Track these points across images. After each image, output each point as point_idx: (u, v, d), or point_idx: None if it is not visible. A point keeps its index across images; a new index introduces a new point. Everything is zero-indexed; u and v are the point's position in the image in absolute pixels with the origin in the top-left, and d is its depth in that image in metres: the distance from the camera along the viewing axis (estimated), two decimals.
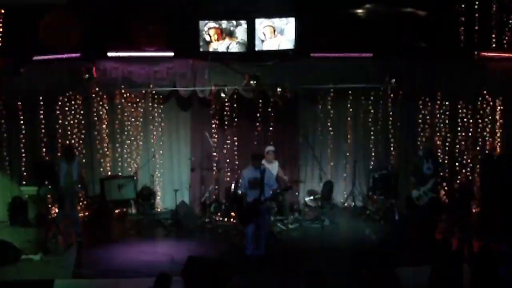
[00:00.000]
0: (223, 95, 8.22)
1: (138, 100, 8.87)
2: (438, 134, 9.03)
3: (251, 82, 8.02)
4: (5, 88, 8.08)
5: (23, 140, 8.48)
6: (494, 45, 8.67)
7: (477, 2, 8.52)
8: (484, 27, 8.62)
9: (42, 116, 8.44)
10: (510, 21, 8.68)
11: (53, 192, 7.65)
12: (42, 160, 8.31)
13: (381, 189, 8.65)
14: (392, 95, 8.96)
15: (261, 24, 8.05)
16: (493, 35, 8.67)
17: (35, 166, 8.13)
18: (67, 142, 8.43)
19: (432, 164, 7.73)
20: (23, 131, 8.46)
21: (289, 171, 8.80)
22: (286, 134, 9.04)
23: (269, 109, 8.74)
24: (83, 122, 8.78)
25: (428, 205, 7.60)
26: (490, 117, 9.05)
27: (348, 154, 9.19)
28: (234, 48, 8.10)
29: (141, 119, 9.03)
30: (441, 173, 8.51)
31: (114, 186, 8.25)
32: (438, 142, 9.01)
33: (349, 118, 9.13)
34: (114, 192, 8.22)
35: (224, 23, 8.03)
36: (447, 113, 9.00)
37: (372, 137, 9.13)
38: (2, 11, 7.54)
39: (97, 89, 8.37)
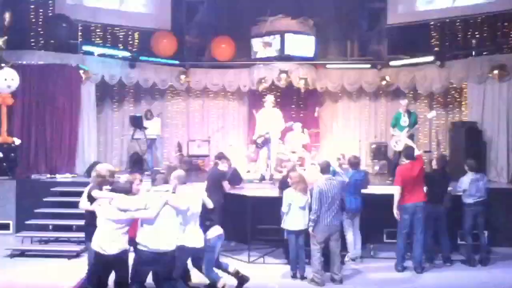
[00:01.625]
0: (264, 84, 12.16)
1: (217, 95, 13.37)
2: None
3: (282, 75, 11.89)
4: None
5: None
6: None
7: None
8: None
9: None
10: None
11: None
12: None
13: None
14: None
15: (290, 38, 12.02)
16: None
17: None
18: None
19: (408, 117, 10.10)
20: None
21: None
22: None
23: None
24: (184, 110, 13.43)
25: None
26: None
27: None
28: (272, 53, 12.14)
29: (221, 110, 13.48)
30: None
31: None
32: None
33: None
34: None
35: (266, 38, 12.18)
36: None
37: None
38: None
39: (189, 86, 12.97)
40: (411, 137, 9.73)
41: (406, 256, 7.27)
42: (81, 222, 6.22)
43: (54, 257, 7.76)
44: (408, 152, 7.47)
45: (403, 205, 7.01)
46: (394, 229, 7.44)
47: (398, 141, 9.71)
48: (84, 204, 5.86)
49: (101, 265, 5.25)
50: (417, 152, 7.62)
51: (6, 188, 9.24)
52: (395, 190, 7.09)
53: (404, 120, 9.81)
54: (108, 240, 5.13)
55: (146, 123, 11.01)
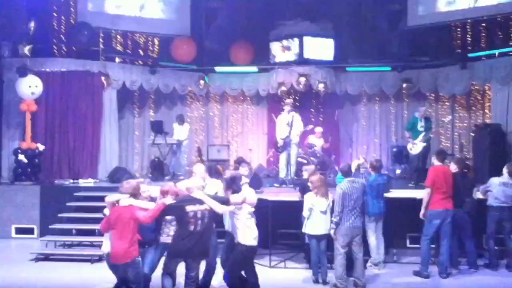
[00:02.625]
0: (284, 88, 12.13)
1: (236, 100, 13.40)
2: None
3: (301, 78, 11.85)
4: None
5: None
6: None
7: None
8: None
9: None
10: None
11: None
12: None
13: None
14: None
15: (308, 41, 11.97)
16: None
17: None
18: None
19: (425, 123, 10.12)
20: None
21: None
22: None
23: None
24: (203, 115, 13.49)
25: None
26: None
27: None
28: (291, 57, 12.11)
29: (240, 115, 13.50)
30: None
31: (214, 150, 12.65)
32: None
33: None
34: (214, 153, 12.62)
35: (285, 42, 12.16)
36: None
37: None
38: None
39: (208, 92, 13.02)
40: (427, 141, 9.68)
41: (430, 261, 7.15)
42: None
43: (77, 261, 7.87)
44: (440, 154, 7.35)
45: (433, 210, 6.88)
46: (417, 234, 7.36)
47: (414, 144, 9.70)
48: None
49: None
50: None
51: (30, 193, 9.41)
52: (425, 191, 6.99)
53: (421, 125, 9.80)
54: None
55: (176, 127, 11.13)
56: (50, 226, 8.71)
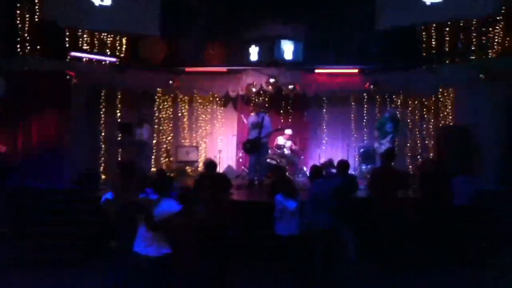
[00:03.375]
0: (253, 89, 12.15)
1: (206, 102, 13.33)
2: None
3: (271, 80, 11.90)
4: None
5: None
6: None
7: None
8: None
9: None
10: None
11: None
12: None
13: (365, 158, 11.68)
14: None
15: (281, 44, 12.04)
16: None
17: None
18: None
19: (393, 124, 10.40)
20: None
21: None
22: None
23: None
24: (171, 116, 13.35)
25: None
26: None
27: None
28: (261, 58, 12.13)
29: (209, 116, 13.44)
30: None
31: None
32: None
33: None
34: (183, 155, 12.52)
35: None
36: None
37: None
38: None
39: (177, 92, 12.92)
40: (392, 142, 10.11)
41: None
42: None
43: (53, 266, 7.68)
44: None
45: None
46: None
47: (381, 144, 10.06)
48: None
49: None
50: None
51: None
52: None
53: (389, 126, 10.05)
54: None
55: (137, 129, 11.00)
56: (21, 231, 8.46)
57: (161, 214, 5.16)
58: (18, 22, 10.55)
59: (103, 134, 12.06)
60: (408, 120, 11.95)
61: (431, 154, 11.56)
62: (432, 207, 7.43)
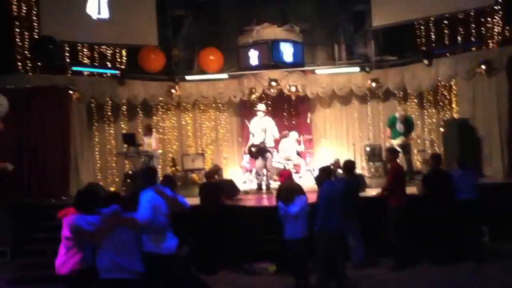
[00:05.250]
0: (255, 93, 12.15)
1: (209, 109, 13.33)
2: None
3: (272, 83, 11.88)
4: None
5: None
6: None
7: None
8: None
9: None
10: None
11: None
12: None
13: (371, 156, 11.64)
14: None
15: (280, 45, 12.02)
16: None
17: None
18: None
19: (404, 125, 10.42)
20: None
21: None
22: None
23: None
24: (175, 124, 13.36)
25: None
26: None
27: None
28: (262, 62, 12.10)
29: (213, 122, 13.43)
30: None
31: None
32: None
33: None
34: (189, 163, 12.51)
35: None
36: None
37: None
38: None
39: (179, 101, 12.91)
40: (405, 147, 10.16)
41: None
42: None
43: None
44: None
45: None
46: None
47: (392, 145, 10.04)
48: None
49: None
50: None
51: (1, 214, 9.10)
52: None
53: (399, 127, 10.05)
54: None
55: (144, 139, 11.08)
56: (23, 248, 8.45)
57: None
58: (17, 39, 10.60)
59: (108, 147, 12.10)
60: (412, 115, 11.89)
61: (436, 148, 11.51)
62: (436, 203, 7.37)
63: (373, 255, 7.78)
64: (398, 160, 8.26)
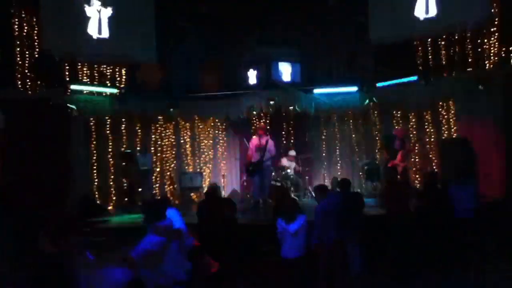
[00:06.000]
0: (254, 112, 12.21)
1: (207, 127, 13.37)
2: None
3: (271, 102, 11.95)
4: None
5: None
6: None
7: None
8: None
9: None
10: None
11: None
12: None
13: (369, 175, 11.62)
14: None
15: (278, 65, 12.15)
16: None
17: None
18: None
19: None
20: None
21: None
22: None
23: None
24: (174, 143, 13.35)
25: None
26: None
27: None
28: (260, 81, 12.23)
29: (211, 140, 13.45)
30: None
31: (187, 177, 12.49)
32: None
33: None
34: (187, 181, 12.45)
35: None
36: None
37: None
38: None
39: (178, 119, 12.99)
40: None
41: None
42: None
43: None
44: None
45: None
46: None
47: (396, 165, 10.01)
48: None
49: None
50: None
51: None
52: None
53: (397, 144, 10.07)
54: None
55: (139, 157, 11.02)
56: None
57: None
58: (18, 57, 10.69)
59: (106, 163, 12.08)
60: (410, 135, 11.91)
61: (434, 167, 11.49)
62: (434, 216, 7.35)
63: (372, 264, 7.68)
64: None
